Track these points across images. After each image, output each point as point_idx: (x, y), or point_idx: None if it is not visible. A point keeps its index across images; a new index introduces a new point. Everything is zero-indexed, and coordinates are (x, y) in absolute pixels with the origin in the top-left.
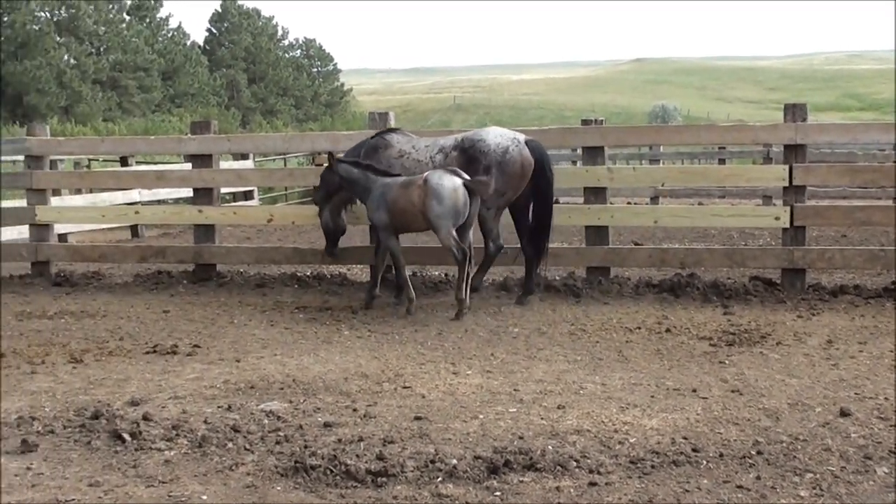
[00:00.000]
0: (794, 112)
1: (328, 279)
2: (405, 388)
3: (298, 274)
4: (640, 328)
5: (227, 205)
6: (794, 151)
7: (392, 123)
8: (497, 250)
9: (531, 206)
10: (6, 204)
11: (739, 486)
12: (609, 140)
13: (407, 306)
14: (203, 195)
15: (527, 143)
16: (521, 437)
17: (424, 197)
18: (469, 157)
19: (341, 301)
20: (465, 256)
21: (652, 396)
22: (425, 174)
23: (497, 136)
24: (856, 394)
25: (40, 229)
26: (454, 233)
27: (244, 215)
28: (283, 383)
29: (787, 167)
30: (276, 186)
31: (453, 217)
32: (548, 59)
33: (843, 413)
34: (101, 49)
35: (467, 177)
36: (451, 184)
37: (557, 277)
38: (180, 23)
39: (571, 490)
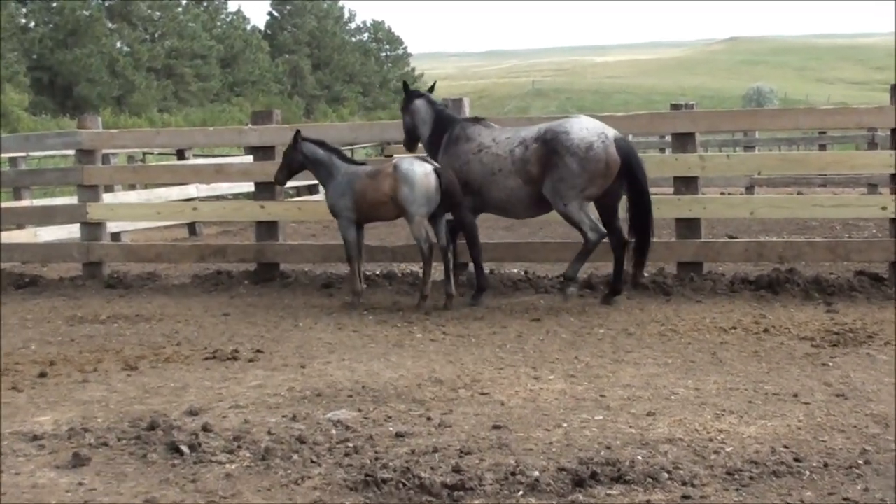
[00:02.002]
0: None
1: (399, 278)
2: (483, 394)
3: (367, 273)
4: (735, 328)
5: (290, 199)
6: None
7: (467, 110)
8: (599, 237)
9: (623, 205)
10: (57, 201)
11: (846, 499)
12: (700, 126)
13: (351, 299)
14: (265, 190)
15: (615, 140)
16: (608, 447)
17: (395, 184)
18: (550, 150)
19: (413, 301)
20: (431, 252)
21: (749, 402)
22: (394, 160)
23: (582, 129)
24: None
25: (92, 228)
26: (426, 224)
27: (309, 210)
28: (351, 390)
29: (894, 153)
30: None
31: (426, 204)
32: (633, 39)
33: None
34: (156, 35)
35: (436, 164)
36: (422, 169)
37: (646, 274)
38: (240, 6)
39: None
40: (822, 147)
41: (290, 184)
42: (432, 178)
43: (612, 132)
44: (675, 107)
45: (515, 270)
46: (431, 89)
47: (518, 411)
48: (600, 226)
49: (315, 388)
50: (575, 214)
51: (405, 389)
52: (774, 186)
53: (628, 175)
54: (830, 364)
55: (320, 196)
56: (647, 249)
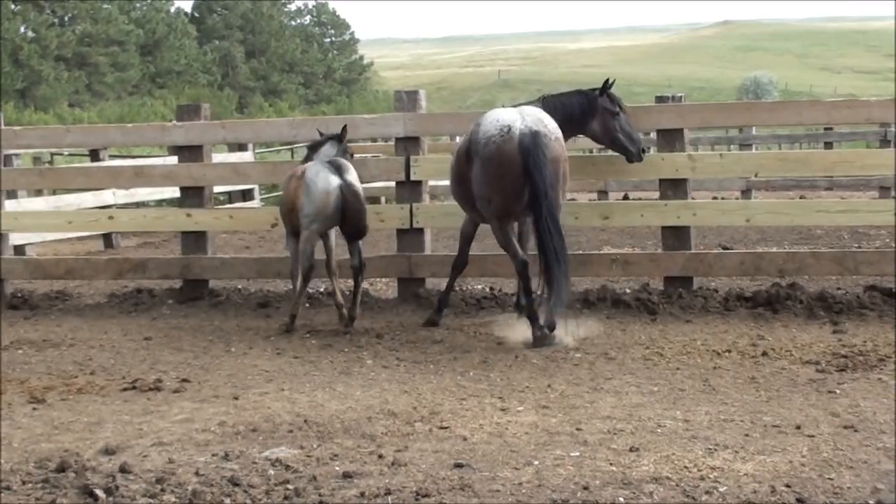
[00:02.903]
0: None
1: (347, 296)
2: (442, 428)
3: (310, 290)
4: (730, 351)
5: (221, 207)
6: None
7: (423, 104)
8: (521, 265)
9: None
10: None
11: None
12: (689, 121)
13: (286, 323)
14: (192, 195)
15: (520, 133)
16: (585, 488)
17: (297, 190)
18: (467, 149)
19: (363, 322)
20: (309, 271)
21: (746, 435)
22: (308, 164)
23: (490, 122)
24: None
25: None
26: (313, 241)
27: (243, 219)
28: (292, 425)
29: None
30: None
31: (320, 222)
32: (611, 23)
33: None
34: (66, 19)
35: (350, 176)
36: (325, 184)
37: (628, 290)
38: None
39: None
40: (828, 145)
41: (219, 189)
42: (334, 196)
43: (522, 123)
44: (660, 99)
45: (480, 287)
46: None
47: (483, 447)
48: (521, 255)
49: (250, 423)
50: (498, 234)
51: (353, 423)
52: (774, 190)
53: (524, 170)
54: (838, 391)
55: (256, 202)
56: (554, 270)
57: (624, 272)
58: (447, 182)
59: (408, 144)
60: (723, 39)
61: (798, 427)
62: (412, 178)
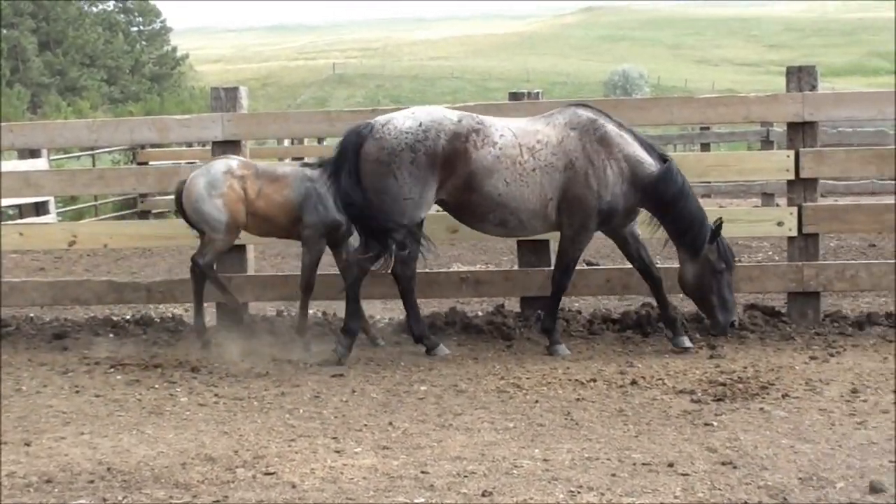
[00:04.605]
0: (801, 77)
1: (157, 324)
2: (268, 474)
3: (115, 318)
4: (595, 380)
5: (9, 223)
6: (801, 131)
7: (244, 102)
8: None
9: None
10: None
11: None
12: None
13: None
14: None
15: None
16: None
17: None
18: None
19: (177, 354)
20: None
21: (613, 475)
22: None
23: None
24: (890, 462)
25: None
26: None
27: (35, 236)
28: (93, 474)
29: (792, 153)
30: (81, 195)
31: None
32: (463, 10)
33: (874, 489)
34: None
35: (214, 173)
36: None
37: (481, 313)
38: None
39: None
40: (705, 147)
41: (8, 202)
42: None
43: (381, 120)
44: (515, 96)
45: (312, 311)
46: None
47: (314, 495)
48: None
49: (44, 473)
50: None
51: (165, 471)
52: None
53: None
54: (715, 424)
55: (51, 217)
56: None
57: (476, 292)
58: None
59: (227, 149)
60: (587, 28)
61: (670, 465)
62: None
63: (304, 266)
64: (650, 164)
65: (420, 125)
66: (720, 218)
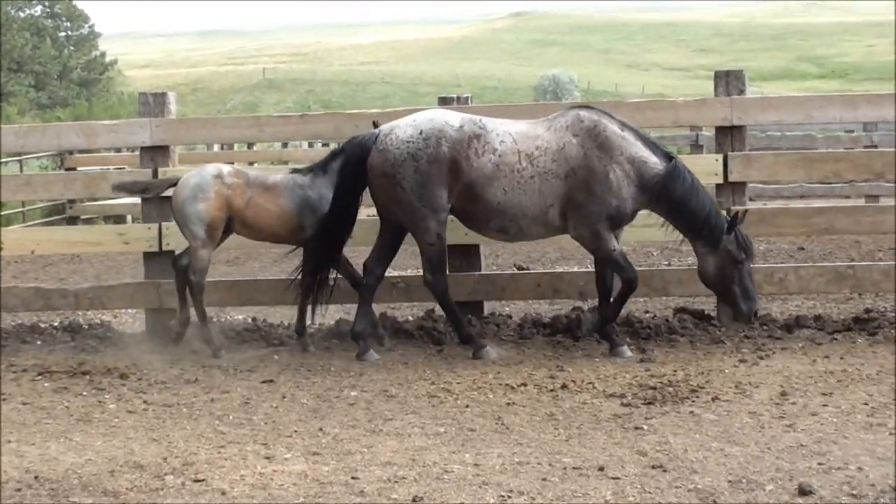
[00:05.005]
0: (729, 82)
1: (85, 331)
2: (197, 481)
3: (43, 325)
4: (525, 385)
5: None
6: (729, 136)
7: (173, 108)
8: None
9: None
10: None
11: None
12: None
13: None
14: None
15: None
16: None
17: None
18: None
19: (105, 361)
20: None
21: (543, 479)
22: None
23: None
24: (819, 464)
25: None
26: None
27: None
28: (20, 482)
29: (720, 157)
30: (8, 201)
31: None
32: (394, 15)
33: (803, 491)
34: None
35: (203, 177)
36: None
37: (411, 318)
38: None
39: None
40: None
41: None
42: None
43: (387, 129)
44: (444, 101)
45: (241, 317)
46: None
47: (244, 502)
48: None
49: None
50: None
51: (93, 478)
52: None
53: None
54: (645, 427)
55: None
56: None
57: (406, 298)
58: None
59: (155, 155)
60: (517, 33)
61: (601, 468)
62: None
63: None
64: (655, 163)
65: (420, 133)
66: (738, 210)
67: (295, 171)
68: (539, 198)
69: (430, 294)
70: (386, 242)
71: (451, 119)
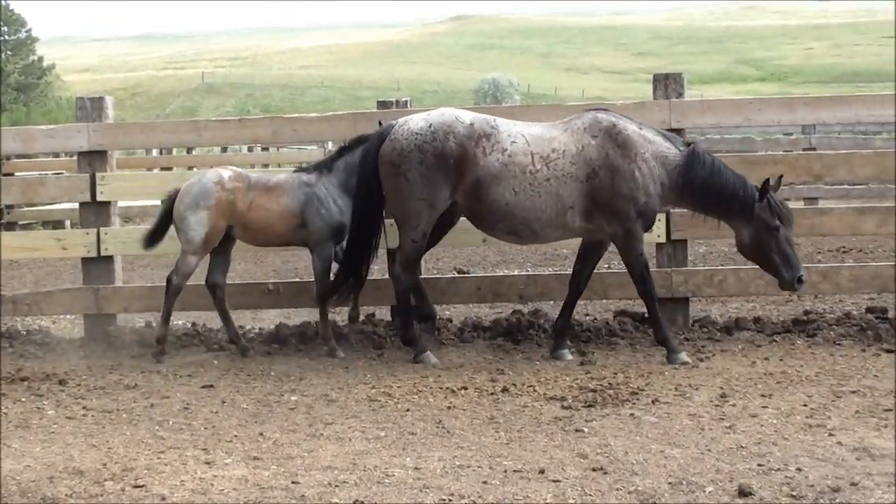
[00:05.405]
0: (668, 85)
1: (24, 337)
2: (137, 487)
3: None
4: (466, 388)
5: None
6: None
7: (110, 112)
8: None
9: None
10: None
11: None
12: None
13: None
14: None
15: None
16: None
17: None
18: None
19: (43, 367)
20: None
21: (484, 482)
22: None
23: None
24: (759, 465)
25: None
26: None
27: None
28: None
29: None
30: None
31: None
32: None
33: (743, 492)
34: None
35: (205, 183)
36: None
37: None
38: None
39: None
40: None
41: None
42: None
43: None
44: (383, 104)
45: (181, 322)
46: None
47: None
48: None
49: None
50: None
51: (32, 485)
52: None
53: None
54: (586, 430)
55: None
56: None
57: (347, 302)
58: (141, 202)
59: (93, 159)
60: (457, 36)
61: (542, 471)
62: (99, 198)
63: (316, 274)
64: (675, 154)
65: (430, 126)
66: (768, 178)
67: (299, 169)
68: (556, 200)
69: (369, 298)
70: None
71: (464, 116)
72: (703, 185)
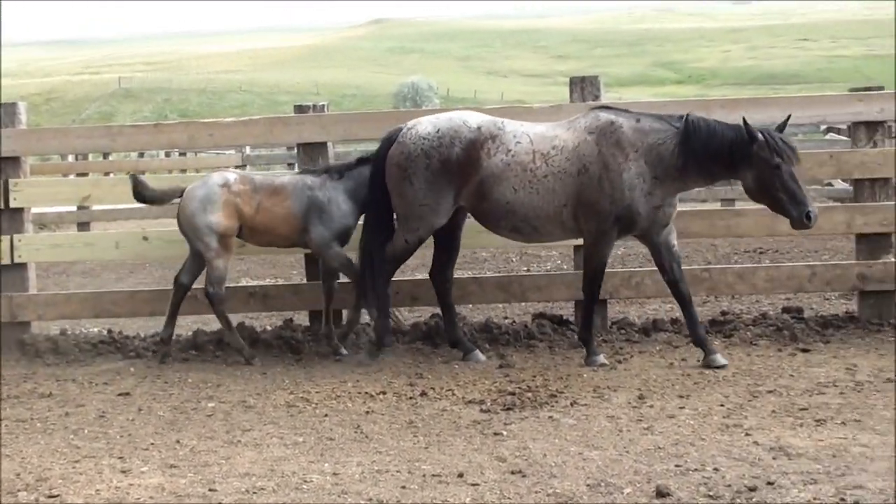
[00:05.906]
0: (584, 88)
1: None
2: (51, 497)
3: None
4: (385, 393)
5: None
6: None
7: (23, 118)
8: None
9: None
10: None
11: None
12: (334, 133)
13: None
14: None
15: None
16: None
17: None
18: None
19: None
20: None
21: (403, 487)
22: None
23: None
24: (676, 466)
25: None
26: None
27: None
28: None
29: None
30: None
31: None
32: (249, 23)
33: (661, 493)
34: None
35: (210, 187)
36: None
37: (269, 328)
38: None
39: None
40: None
41: None
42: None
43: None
44: (300, 109)
45: (96, 329)
46: None
47: None
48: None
49: None
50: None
51: None
52: None
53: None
54: (504, 433)
55: None
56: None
57: (264, 306)
58: (55, 209)
59: (6, 166)
60: (375, 40)
61: (460, 475)
62: (12, 204)
63: (333, 273)
64: (672, 135)
65: (437, 131)
66: (744, 117)
67: (305, 171)
68: (553, 197)
69: (288, 303)
70: (441, 248)
71: (471, 121)
72: (703, 155)
